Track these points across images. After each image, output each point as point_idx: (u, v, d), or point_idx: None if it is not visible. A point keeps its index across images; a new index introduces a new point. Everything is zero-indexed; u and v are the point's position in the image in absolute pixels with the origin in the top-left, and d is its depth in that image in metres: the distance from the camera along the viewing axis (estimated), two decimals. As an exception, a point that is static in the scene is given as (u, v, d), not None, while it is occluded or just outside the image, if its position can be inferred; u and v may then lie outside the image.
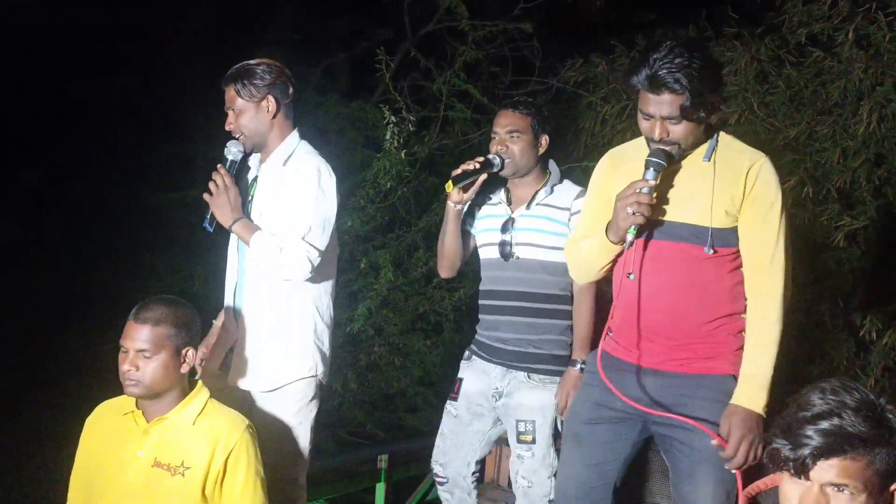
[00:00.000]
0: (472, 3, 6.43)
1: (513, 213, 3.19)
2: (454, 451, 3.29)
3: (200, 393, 2.63)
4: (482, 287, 3.28)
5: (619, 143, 2.93)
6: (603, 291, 3.03)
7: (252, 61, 2.99)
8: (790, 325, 4.70)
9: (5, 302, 6.66)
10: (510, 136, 3.13)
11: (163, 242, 6.41)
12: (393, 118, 5.73)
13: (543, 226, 3.10)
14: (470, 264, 3.38)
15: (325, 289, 3.07)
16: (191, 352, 2.58)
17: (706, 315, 2.52)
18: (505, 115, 3.17)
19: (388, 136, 5.77)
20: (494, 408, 3.21)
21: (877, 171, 4.57)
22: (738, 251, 2.51)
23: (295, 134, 3.04)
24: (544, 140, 3.16)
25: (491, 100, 6.11)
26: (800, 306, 4.72)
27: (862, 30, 4.71)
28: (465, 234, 3.31)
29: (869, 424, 1.66)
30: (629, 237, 2.44)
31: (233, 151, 2.99)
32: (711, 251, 2.46)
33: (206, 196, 2.95)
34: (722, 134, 2.55)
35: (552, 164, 3.23)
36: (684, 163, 2.51)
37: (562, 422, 3.06)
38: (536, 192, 3.16)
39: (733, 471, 2.38)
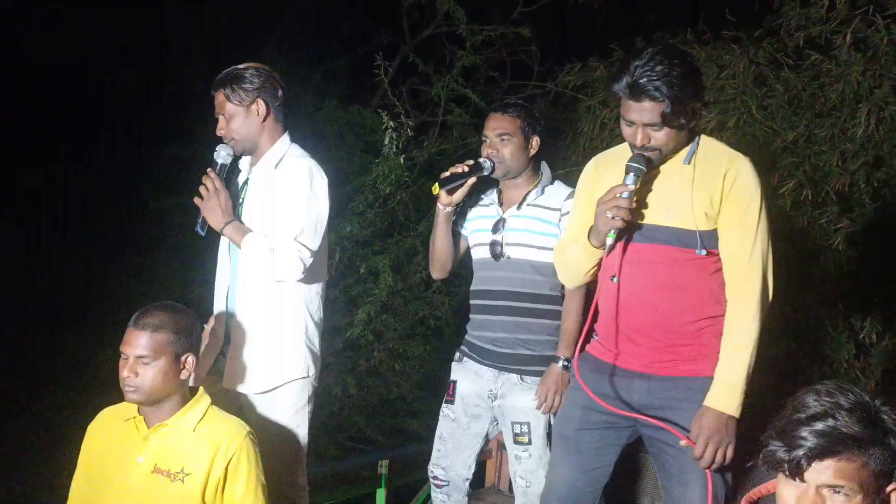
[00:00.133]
0: (471, 7, 6.43)
1: (504, 213, 3.20)
2: (455, 454, 3.29)
3: (201, 399, 2.62)
4: (473, 287, 3.28)
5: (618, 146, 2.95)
6: (592, 291, 3.04)
7: (240, 66, 2.98)
8: (789, 327, 4.77)
9: (5, 302, 6.65)
10: (500, 139, 3.13)
11: (162, 245, 6.42)
12: (392, 123, 5.74)
13: (534, 226, 3.11)
14: (467, 267, 3.39)
15: (317, 291, 3.07)
16: (191, 358, 2.57)
17: (690, 316, 2.54)
18: (495, 119, 3.18)
19: (386, 141, 5.77)
20: (491, 407, 3.21)
21: (875, 174, 4.58)
22: (717, 253, 2.51)
23: (286, 137, 3.05)
24: (535, 142, 3.16)
25: (489, 104, 6.12)
26: (799, 308, 4.73)
27: (860, 33, 4.72)
28: (457, 235, 3.32)
29: (863, 425, 1.66)
30: (609, 241, 2.46)
31: (222, 155, 2.99)
32: (704, 252, 2.48)
33: (197, 200, 2.95)
34: (703, 137, 2.56)
35: (544, 166, 3.23)
36: (665, 167, 2.53)
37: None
38: (528, 193, 3.17)
39: (707, 479, 2.42)
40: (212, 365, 3.05)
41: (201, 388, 2.66)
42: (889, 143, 4.56)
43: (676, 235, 2.49)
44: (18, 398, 6.23)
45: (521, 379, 3.13)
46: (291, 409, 3.00)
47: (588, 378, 2.62)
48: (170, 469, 2.51)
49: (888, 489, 1.71)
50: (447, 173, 3.08)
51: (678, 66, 2.35)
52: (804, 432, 1.67)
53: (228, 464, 2.52)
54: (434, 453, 3.35)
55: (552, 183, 3.19)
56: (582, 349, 2.68)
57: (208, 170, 2.96)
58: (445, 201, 3.13)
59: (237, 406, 2.93)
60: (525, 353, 3.13)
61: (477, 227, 3.26)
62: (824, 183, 4.65)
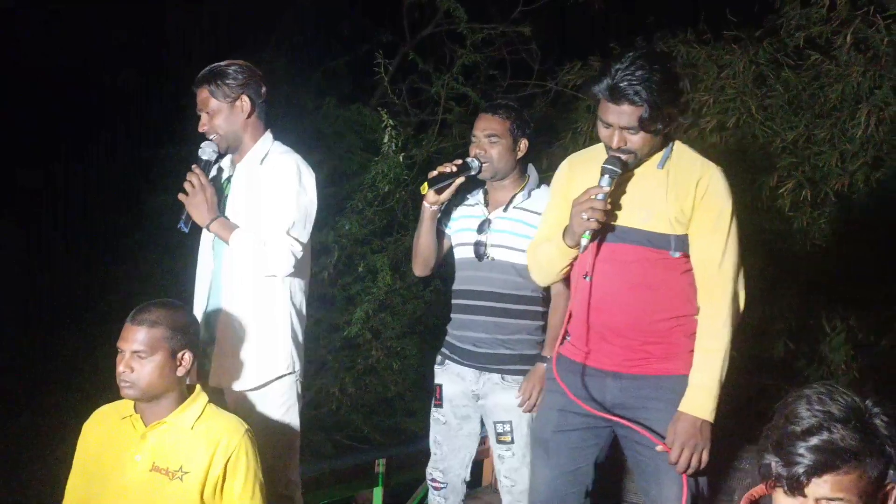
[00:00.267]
0: (471, 6, 6.43)
1: (490, 214, 3.20)
2: (452, 456, 3.30)
3: (199, 397, 2.61)
4: (456, 286, 3.29)
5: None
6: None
7: (223, 63, 3.00)
8: (787, 328, 4.76)
9: (5, 302, 6.64)
10: (489, 140, 3.13)
11: (161, 245, 6.40)
12: (391, 121, 5.73)
13: (519, 229, 3.11)
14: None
15: (300, 286, 3.08)
16: (187, 355, 2.56)
17: (661, 315, 2.57)
18: (484, 119, 3.18)
19: (386, 140, 5.77)
20: (477, 407, 3.23)
21: (875, 175, 4.58)
22: (688, 256, 2.56)
23: (269, 134, 3.05)
24: (523, 144, 3.17)
25: (490, 102, 6.11)
26: (797, 309, 4.74)
27: (860, 33, 4.72)
28: (441, 234, 3.32)
29: (859, 436, 1.66)
30: (584, 241, 2.50)
31: (207, 152, 2.99)
32: (678, 254, 2.52)
33: (181, 196, 2.95)
34: (677, 143, 2.60)
35: (531, 169, 3.24)
36: (639, 170, 2.56)
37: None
38: (514, 196, 3.17)
39: (679, 474, 2.46)
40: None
41: (198, 386, 2.65)
42: (889, 144, 4.56)
43: (649, 238, 2.53)
44: (18, 398, 6.23)
45: (503, 378, 3.14)
46: (283, 405, 3.01)
47: (564, 379, 2.63)
48: (168, 467, 2.50)
49: (887, 485, 1.72)
50: (435, 172, 3.09)
51: (658, 72, 2.40)
52: (801, 448, 1.66)
53: (227, 461, 2.52)
54: (432, 457, 3.36)
55: (539, 187, 3.20)
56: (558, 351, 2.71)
57: (193, 166, 2.96)
58: (432, 200, 3.14)
59: (225, 404, 2.91)
60: (505, 352, 3.14)
61: (461, 227, 3.27)
62: (824, 183, 4.65)
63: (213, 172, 3.06)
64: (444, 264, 3.39)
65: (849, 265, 4.58)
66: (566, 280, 2.82)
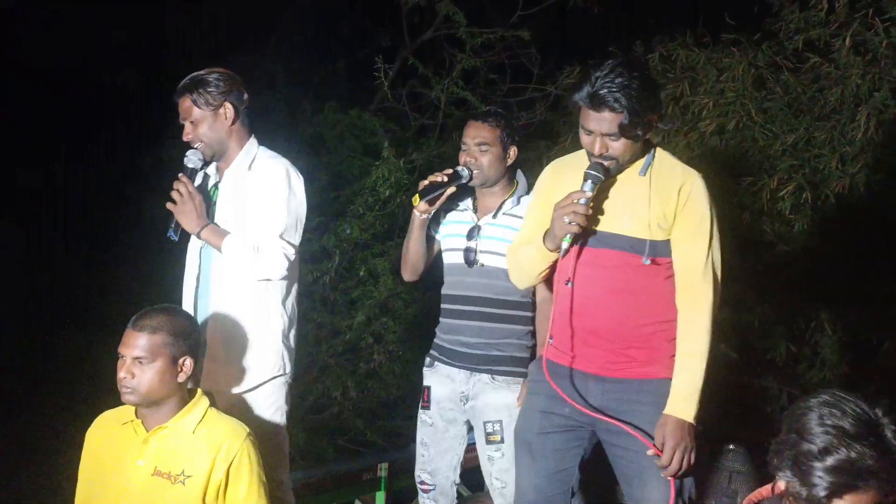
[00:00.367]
0: (471, 10, 6.44)
1: (479, 220, 3.23)
2: (439, 458, 3.31)
3: (200, 401, 2.62)
4: (445, 291, 3.30)
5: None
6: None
7: (203, 71, 3.02)
8: (788, 331, 4.76)
9: (5, 302, 6.63)
10: (479, 148, 3.17)
11: (160, 246, 6.36)
12: (391, 126, 5.73)
13: (508, 235, 3.11)
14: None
15: (290, 289, 3.10)
16: (188, 361, 2.57)
17: (644, 320, 2.61)
18: (474, 127, 3.21)
19: (386, 144, 5.77)
20: (465, 411, 3.24)
21: (875, 177, 4.58)
22: (671, 262, 2.60)
23: (253, 140, 3.08)
24: (512, 151, 3.21)
25: (489, 107, 6.11)
26: (798, 311, 4.74)
27: (859, 36, 4.73)
28: (430, 239, 3.34)
29: (876, 453, 1.67)
30: (564, 245, 2.54)
31: (193, 160, 3.01)
32: (648, 261, 2.56)
33: (170, 205, 2.97)
34: (658, 150, 2.65)
35: (520, 175, 3.27)
36: (621, 176, 2.61)
37: None
38: (503, 202, 3.21)
39: (668, 479, 2.50)
40: None
41: (200, 391, 2.66)
42: (889, 147, 4.56)
43: (630, 243, 2.58)
44: (18, 398, 6.22)
45: (493, 378, 3.17)
46: (272, 407, 3.04)
47: (548, 382, 2.67)
48: (170, 471, 2.51)
49: None
50: (426, 182, 3.12)
51: (637, 79, 2.45)
52: (819, 471, 1.68)
53: (230, 466, 2.53)
54: (418, 459, 3.38)
55: (528, 193, 3.21)
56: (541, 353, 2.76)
57: (179, 175, 2.98)
58: (423, 209, 3.18)
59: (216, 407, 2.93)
60: (496, 353, 3.17)
61: (451, 233, 3.29)
62: (824, 186, 4.66)
63: (200, 180, 3.08)
64: (435, 269, 3.40)
65: (849, 267, 4.59)
66: (551, 286, 2.83)
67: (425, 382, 3.34)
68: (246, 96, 3.04)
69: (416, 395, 3.40)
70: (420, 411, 3.36)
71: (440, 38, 6.89)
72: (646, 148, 2.61)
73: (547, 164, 2.92)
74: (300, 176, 3.04)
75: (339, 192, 6.06)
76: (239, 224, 2.96)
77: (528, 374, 3.01)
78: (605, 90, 2.42)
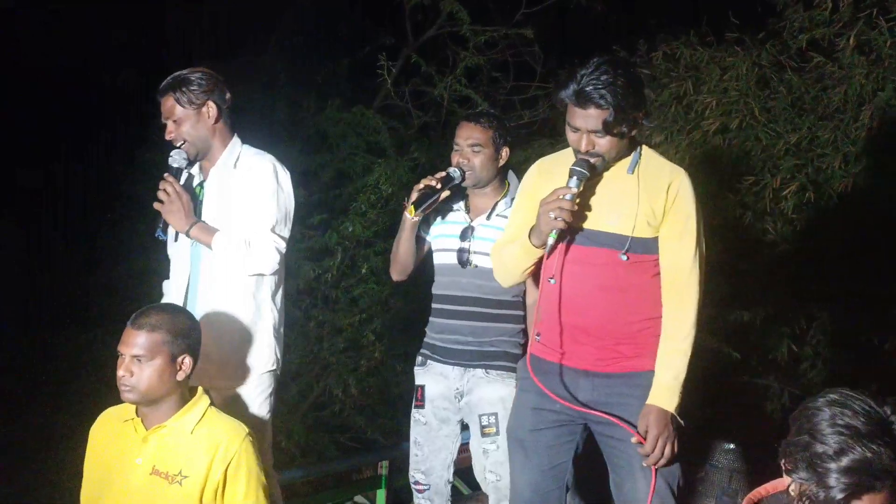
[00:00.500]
0: (473, 8, 6.42)
1: (472, 221, 3.23)
2: (433, 457, 3.31)
3: (200, 401, 2.61)
4: (437, 291, 3.31)
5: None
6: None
7: (185, 71, 3.04)
8: (791, 331, 4.76)
9: (5, 302, 6.62)
10: (472, 149, 3.18)
11: (157, 246, 6.35)
12: (394, 123, 5.72)
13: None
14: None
15: (279, 284, 3.13)
16: (187, 360, 2.56)
17: (630, 317, 2.65)
18: (467, 128, 3.22)
19: (388, 142, 5.77)
20: (459, 409, 3.25)
21: (877, 177, 4.57)
22: (656, 259, 2.64)
23: (237, 138, 3.10)
24: (504, 152, 3.22)
25: (493, 105, 6.11)
26: (800, 311, 4.73)
27: (863, 35, 4.72)
28: (420, 240, 3.34)
29: (889, 452, 1.66)
30: (550, 241, 2.55)
31: (177, 160, 3.02)
32: (625, 258, 2.59)
33: (157, 205, 2.99)
34: (644, 148, 2.68)
35: (511, 176, 3.27)
36: (609, 175, 2.63)
37: None
38: (497, 203, 3.22)
39: (650, 467, 2.56)
40: None
41: (200, 389, 2.65)
42: (892, 146, 4.55)
43: (616, 240, 2.60)
44: (19, 398, 6.21)
45: (486, 372, 3.18)
46: (260, 399, 3.06)
47: (539, 379, 2.69)
48: (168, 471, 2.50)
49: None
50: (420, 188, 3.11)
51: (622, 77, 2.48)
52: (834, 472, 1.67)
53: (228, 467, 2.51)
54: (412, 459, 3.38)
55: None
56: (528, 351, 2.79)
57: (165, 175, 3.00)
58: (416, 214, 3.17)
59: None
60: (489, 349, 3.19)
61: (443, 233, 3.29)
62: (827, 185, 4.65)
63: (185, 179, 3.08)
64: (427, 267, 3.40)
65: (851, 266, 4.59)
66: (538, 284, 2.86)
67: (418, 381, 3.34)
68: (228, 95, 3.07)
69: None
70: (414, 410, 3.36)
71: (443, 36, 6.87)
72: (632, 146, 2.64)
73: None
74: (286, 171, 3.06)
75: (341, 190, 6.06)
76: (227, 221, 2.98)
77: (517, 372, 3.02)
78: (591, 87, 2.45)
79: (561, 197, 2.51)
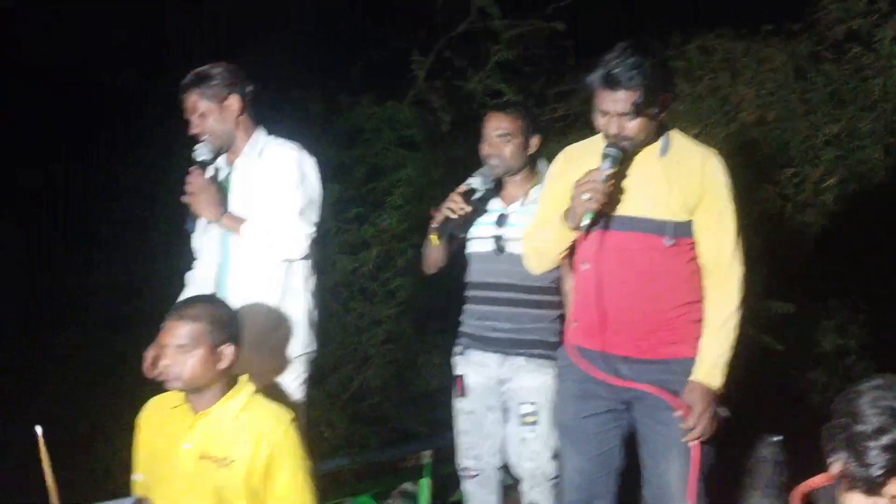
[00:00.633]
0: (505, 2, 6.42)
1: (507, 208, 3.26)
2: (481, 443, 3.35)
3: (243, 388, 2.66)
4: (472, 279, 3.33)
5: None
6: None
7: (206, 66, 3.10)
8: (835, 322, 4.72)
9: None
10: (501, 139, 3.19)
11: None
12: (427, 118, 5.72)
13: None
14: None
15: (312, 269, 3.17)
16: (229, 348, 2.60)
17: (668, 303, 2.67)
18: (495, 118, 3.24)
19: (422, 137, 5.76)
20: (500, 394, 3.27)
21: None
22: (692, 242, 2.65)
23: (261, 129, 3.16)
24: (535, 141, 3.23)
25: (525, 98, 6.09)
26: (846, 303, 4.70)
27: (903, 25, 4.67)
28: (451, 238, 3.35)
29: None
30: (585, 222, 2.57)
31: (203, 153, 3.07)
32: (672, 242, 2.61)
33: (185, 198, 3.05)
34: (675, 132, 2.70)
35: (542, 163, 3.28)
36: (640, 159, 2.65)
37: None
38: (531, 189, 3.23)
39: (690, 444, 2.60)
40: None
41: (245, 377, 2.69)
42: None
43: (652, 225, 2.62)
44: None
45: (528, 360, 3.20)
46: (297, 381, 3.14)
47: (579, 365, 2.75)
48: (215, 455, 2.56)
49: None
50: (443, 215, 3.16)
51: (649, 59, 2.52)
52: (874, 450, 1.68)
53: (272, 452, 2.56)
54: (460, 447, 3.42)
55: None
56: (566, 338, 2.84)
57: (191, 168, 3.05)
58: (441, 240, 3.24)
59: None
60: (528, 337, 3.21)
61: (477, 221, 3.30)
62: (869, 176, 4.61)
63: (211, 172, 3.14)
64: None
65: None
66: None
67: (458, 371, 3.37)
68: (251, 88, 3.13)
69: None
70: (456, 400, 3.39)
71: (475, 31, 6.86)
72: (661, 129, 2.65)
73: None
74: (312, 158, 3.11)
75: (375, 184, 6.07)
76: (254, 210, 3.04)
77: (557, 360, 3.04)
78: (619, 69, 2.48)
79: (595, 179, 2.54)
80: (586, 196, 2.53)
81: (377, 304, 5.80)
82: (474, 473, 3.37)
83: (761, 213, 4.50)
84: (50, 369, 6.31)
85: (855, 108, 4.81)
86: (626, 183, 2.63)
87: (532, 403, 3.18)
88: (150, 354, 3.03)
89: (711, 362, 2.62)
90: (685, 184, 2.60)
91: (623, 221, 2.64)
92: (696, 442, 2.61)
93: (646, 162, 2.65)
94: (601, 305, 2.69)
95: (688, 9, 6.42)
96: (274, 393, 3.00)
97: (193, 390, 2.58)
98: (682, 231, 2.62)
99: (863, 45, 4.84)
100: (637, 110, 2.51)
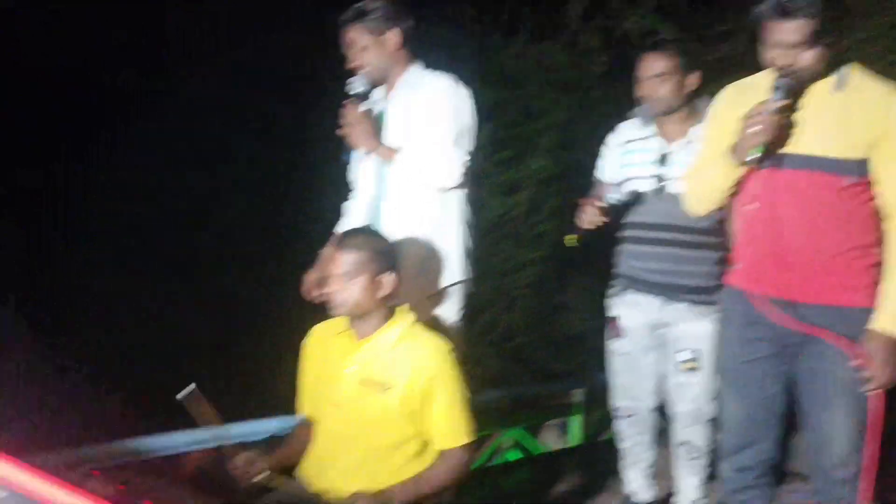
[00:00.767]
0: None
1: (669, 147, 3.18)
2: (636, 385, 3.34)
3: (402, 318, 2.72)
4: (631, 219, 3.27)
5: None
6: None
7: (365, 0, 3.11)
8: None
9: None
10: (657, 80, 3.12)
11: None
12: (581, 60, 5.62)
13: None
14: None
15: (466, 199, 3.20)
16: (388, 277, 2.66)
17: (843, 246, 2.54)
18: (649, 59, 3.16)
19: (575, 79, 5.66)
20: (657, 337, 3.25)
21: None
22: (868, 182, 2.51)
23: (417, 63, 3.18)
24: (692, 78, 3.13)
25: (684, 40, 5.87)
26: None
27: None
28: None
29: None
30: (753, 157, 2.46)
31: (357, 86, 3.11)
32: (850, 181, 2.47)
33: (341, 131, 3.10)
34: (853, 65, 2.53)
35: (702, 101, 3.15)
36: (813, 93, 2.52)
37: None
38: (689, 129, 3.14)
39: (868, 393, 2.49)
40: None
41: (404, 307, 2.75)
42: None
43: (827, 163, 2.48)
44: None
45: (691, 307, 3.14)
46: (454, 307, 3.20)
47: (739, 308, 2.69)
48: (375, 381, 2.64)
49: None
50: (584, 228, 3.16)
51: None
52: None
53: (431, 381, 2.61)
54: (615, 388, 3.41)
55: None
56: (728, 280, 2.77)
57: (346, 101, 3.09)
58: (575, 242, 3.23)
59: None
60: (690, 282, 3.14)
61: (636, 161, 3.25)
62: None
63: (365, 106, 3.17)
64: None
65: None
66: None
67: (613, 312, 3.34)
68: (411, 22, 3.14)
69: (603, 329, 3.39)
70: (611, 341, 3.36)
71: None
72: (836, 63, 2.50)
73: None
74: (466, 88, 3.12)
75: (526, 127, 6.03)
76: (410, 141, 3.08)
77: (719, 303, 2.96)
78: None
79: (765, 111, 2.43)
80: (755, 128, 2.43)
81: (525, 247, 5.81)
82: (629, 414, 3.36)
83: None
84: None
85: None
86: (798, 118, 2.50)
87: (693, 350, 3.15)
88: (312, 277, 3.18)
89: (893, 310, 2.50)
90: (864, 120, 2.47)
91: (795, 159, 2.52)
92: (879, 392, 2.50)
93: (820, 97, 2.51)
94: (771, 247, 2.60)
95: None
96: (433, 322, 3.08)
97: (356, 317, 2.67)
98: (859, 170, 2.49)
99: None
100: (814, 39, 2.40)
